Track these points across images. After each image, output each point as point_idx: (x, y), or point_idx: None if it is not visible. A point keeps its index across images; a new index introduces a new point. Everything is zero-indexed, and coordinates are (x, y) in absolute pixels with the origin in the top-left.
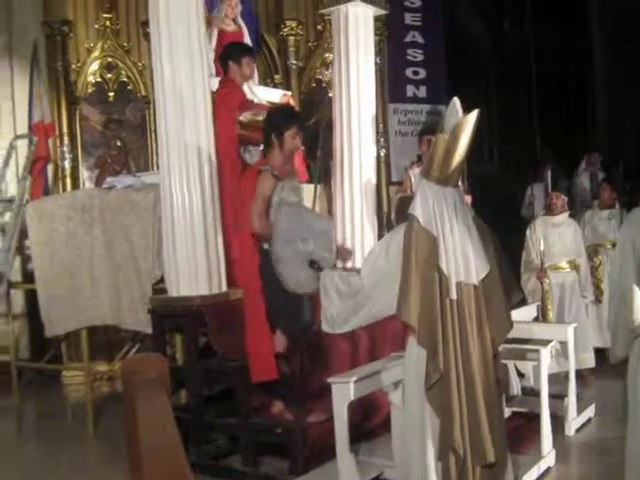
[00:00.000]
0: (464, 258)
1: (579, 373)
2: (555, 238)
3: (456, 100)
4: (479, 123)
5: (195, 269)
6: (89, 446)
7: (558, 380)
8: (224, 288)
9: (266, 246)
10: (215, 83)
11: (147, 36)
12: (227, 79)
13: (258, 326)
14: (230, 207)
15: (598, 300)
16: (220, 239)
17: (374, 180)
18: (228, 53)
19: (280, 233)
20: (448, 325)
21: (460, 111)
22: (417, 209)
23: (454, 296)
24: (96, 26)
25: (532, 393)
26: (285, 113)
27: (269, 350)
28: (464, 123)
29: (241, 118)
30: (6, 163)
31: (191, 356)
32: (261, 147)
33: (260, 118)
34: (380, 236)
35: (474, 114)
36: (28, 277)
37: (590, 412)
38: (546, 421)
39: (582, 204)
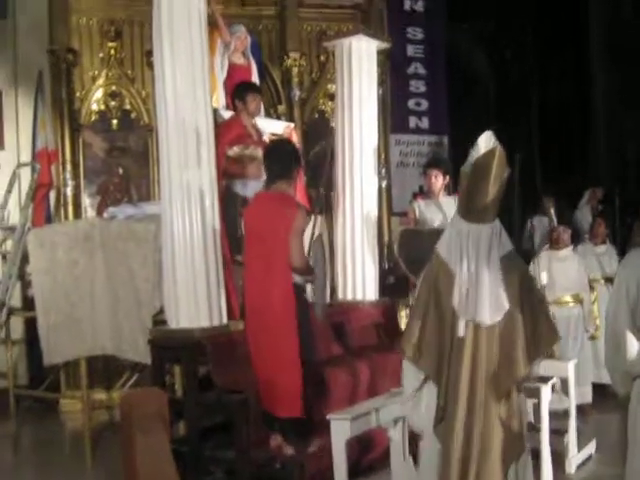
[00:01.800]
0: (479, 298)
1: (579, 407)
2: (560, 272)
3: (485, 135)
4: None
5: (195, 301)
6: (86, 477)
7: (558, 416)
8: (224, 320)
9: (298, 280)
10: (226, 115)
11: (151, 65)
12: (234, 116)
13: (290, 361)
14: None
15: (593, 336)
16: (221, 270)
17: (375, 211)
18: (234, 93)
19: (318, 267)
20: (453, 362)
21: (483, 146)
22: (441, 244)
23: (461, 334)
24: (101, 55)
25: (532, 429)
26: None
27: (299, 386)
28: (483, 160)
29: (230, 152)
30: (9, 191)
31: (190, 388)
32: (262, 179)
33: (247, 152)
34: (381, 267)
35: (493, 151)
36: (28, 303)
37: (591, 448)
38: (547, 458)
39: (582, 238)
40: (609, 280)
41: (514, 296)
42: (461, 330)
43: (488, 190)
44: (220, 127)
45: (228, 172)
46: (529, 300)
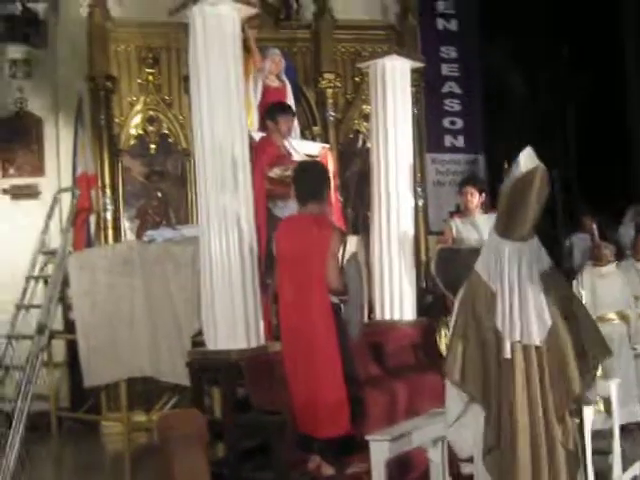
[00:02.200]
0: (524, 317)
1: (625, 427)
2: (603, 289)
3: (526, 151)
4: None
5: (233, 322)
6: None
7: (603, 436)
8: (262, 341)
9: (334, 299)
10: (257, 137)
11: (188, 90)
12: (265, 137)
13: (335, 379)
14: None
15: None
16: (258, 292)
17: (412, 230)
18: (266, 113)
19: (352, 285)
20: (504, 386)
21: (523, 164)
22: (479, 263)
23: (508, 355)
24: (139, 81)
25: None
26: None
27: (345, 403)
28: (525, 178)
29: (271, 174)
30: (50, 216)
31: (228, 410)
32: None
33: (288, 173)
34: (418, 287)
35: (536, 170)
36: (69, 326)
37: (636, 470)
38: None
39: (624, 254)
40: None
41: (558, 312)
42: (507, 352)
43: (529, 209)
44: (254, 149)
45: (272, 194)
46: (574, 315)
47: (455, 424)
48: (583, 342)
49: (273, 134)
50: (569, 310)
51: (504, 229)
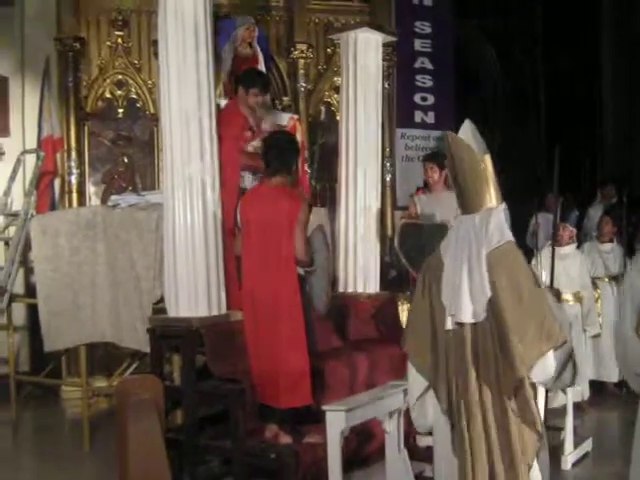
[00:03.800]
0: (458, 292)
1: (577, 405)
2: (561, 270)
3: (463, 125)
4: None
5: (195, 290)
6: (83, 463)
7: (555, 413)
8: (224, 310)
9: (300, 271)
10: (223, 103)
11: (158, 55)
12: (232, 103)
13: (299, 351)
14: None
15: (598, 334)
16: (221, 261)
17: (378, 204)
18: (242, 77)
19: (319, 257)
20: (451, 360)
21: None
22: (446, 237)
23: (449, 326)
24: (108, 43)
25: None
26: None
27: (308, 375)
28: (445, 148)
29: (249, 149)
30: (12, 177)
31: (188, 378)
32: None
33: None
34: (383, 261)
35: (446, 138)
36: (31, 290)
37: (587, 446)
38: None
39: (590, 236)
40: (613, 279)
41: (505, 290)
42: (448, 324)
43: (458, 177)
44: (222, 117)
45: (253, 168)
46: (524, 294)
47: (415, 401)
48: (536, 324)
49: (241, 103)
50: (518, 289)
51: (458, 203)
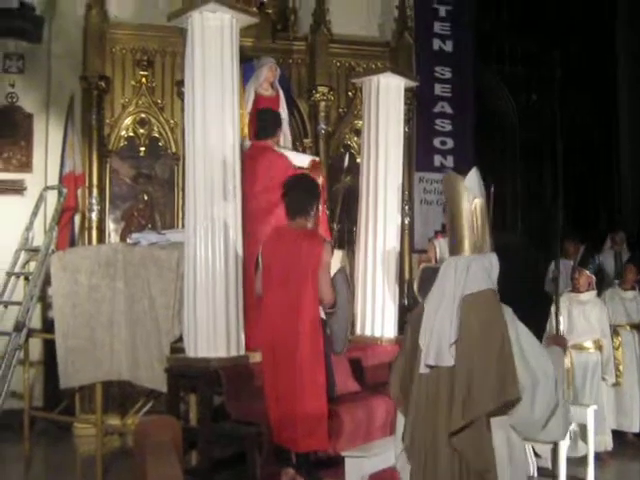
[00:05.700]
0: (434, 337)
1: (597, 455)
2: (580, 316)
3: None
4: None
5: (214, 330)
6: None
7: (575, 463)
8: (242, 351)
9: (322, 314)
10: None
11: (181, 94)
12: (269, 147)
13: (319, 394)
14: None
15: (617, 382)
16: (241, 302)
17: (397, 248)
18: (279, 121)
19: (340, 299)
20: (415, 401)
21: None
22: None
23: (422, 370)
24: (132, 82)
25: (549, 474)
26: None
27: (326, 419)
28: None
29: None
30: (34, 213)
31: (204, 418)
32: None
33: None
34: (400, 304)
35: (454, 179)
36: (48, 326)
37: None
38: None
39: (606, 283)
40: (635, 327)
41: (471, 337)
42: (422, 366)
43: (447, 218)
44: (249, 158)
45: None
46: (493, 344)
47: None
48: (499, 373)
49: (274, 145)
50: (482, 343)
51: (448, 245)
